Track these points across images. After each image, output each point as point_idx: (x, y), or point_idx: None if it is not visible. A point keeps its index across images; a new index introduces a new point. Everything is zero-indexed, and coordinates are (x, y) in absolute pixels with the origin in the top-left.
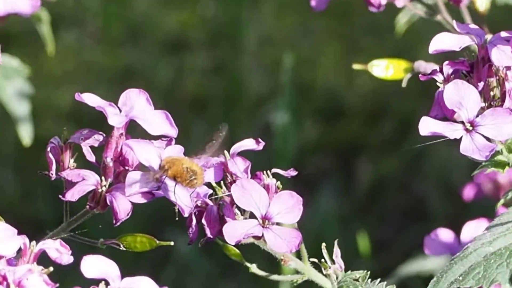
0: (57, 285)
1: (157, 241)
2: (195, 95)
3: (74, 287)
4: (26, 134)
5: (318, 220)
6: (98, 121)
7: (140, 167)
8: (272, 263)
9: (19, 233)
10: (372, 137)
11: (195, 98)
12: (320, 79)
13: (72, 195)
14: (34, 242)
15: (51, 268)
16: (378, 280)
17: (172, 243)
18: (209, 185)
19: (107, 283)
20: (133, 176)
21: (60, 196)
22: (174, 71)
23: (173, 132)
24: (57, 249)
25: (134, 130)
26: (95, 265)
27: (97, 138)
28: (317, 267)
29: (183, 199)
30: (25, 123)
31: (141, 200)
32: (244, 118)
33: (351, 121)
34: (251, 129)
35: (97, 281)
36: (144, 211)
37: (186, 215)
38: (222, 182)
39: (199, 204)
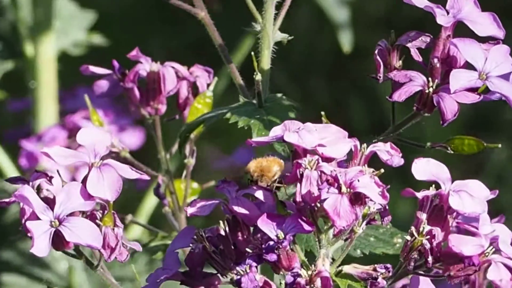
0: (388, 186)
1: (485, 144)
2: None
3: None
4: (346, 41)
5: None
6: (407, 29)
7: (467, 66)
8: None
9: (349, 136)
10: None
11: None
12: None
13: (399, 96)
14: (364, 145)
15: (382, 170)
16: None
17: (499, 145)
18: None
19: (437, 186)
20: (457, 74)
21: (387, 97)
22: None
23: (500, 33)
24: (387, 151)
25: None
26: (426, 168)
27: (424, 40)
28: None
29: None
30: (345, 30)
31: (467, 100)
32: None
33: None
34: None
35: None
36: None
37: None
38: None
39: None
